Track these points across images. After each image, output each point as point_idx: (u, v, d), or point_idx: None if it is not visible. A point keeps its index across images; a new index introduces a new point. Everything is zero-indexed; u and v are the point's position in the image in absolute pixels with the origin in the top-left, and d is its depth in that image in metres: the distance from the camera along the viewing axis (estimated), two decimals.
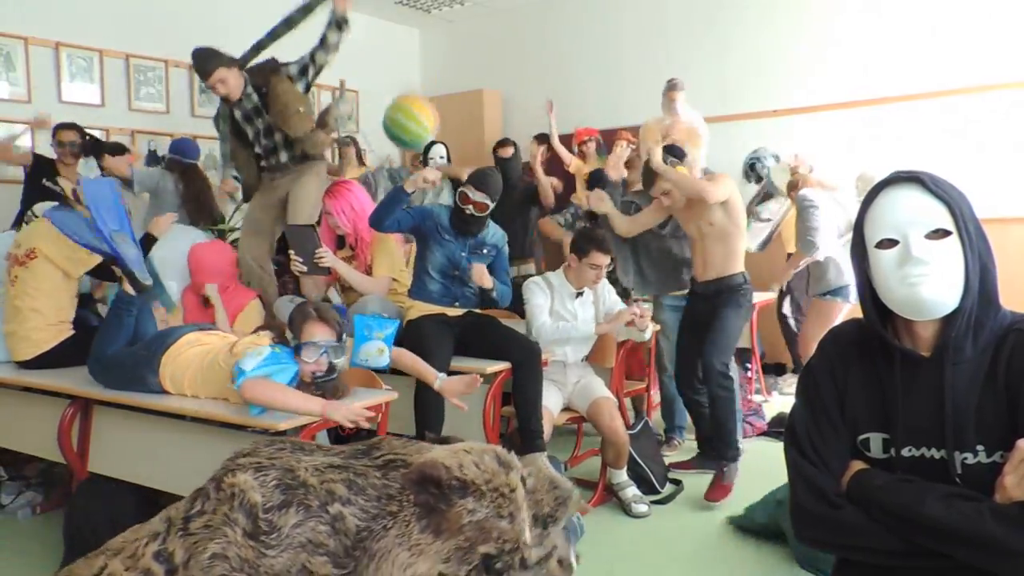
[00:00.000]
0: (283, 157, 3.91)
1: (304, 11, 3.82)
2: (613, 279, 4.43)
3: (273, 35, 3.86)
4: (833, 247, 4.45)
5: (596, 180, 4.73)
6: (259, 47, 3.85)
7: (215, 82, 3.65)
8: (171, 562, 1.47)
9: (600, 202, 3.90)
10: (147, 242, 3.32)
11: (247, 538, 1.46)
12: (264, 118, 3.80)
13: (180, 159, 4.88)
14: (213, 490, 1.55)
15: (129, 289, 2.85)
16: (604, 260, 3.47)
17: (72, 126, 4.76)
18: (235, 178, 4.27)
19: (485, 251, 3.43)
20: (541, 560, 1.59)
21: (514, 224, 5.01)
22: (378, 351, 2.70)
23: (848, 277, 4.33)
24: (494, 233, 3.47)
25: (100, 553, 1.58)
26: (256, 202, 4.07)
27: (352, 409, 2.35)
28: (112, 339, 2.85)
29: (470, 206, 3.29)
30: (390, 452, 1.68)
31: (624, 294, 4.58)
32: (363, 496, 1.55)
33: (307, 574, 1.46)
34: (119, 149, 4.80)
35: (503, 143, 5.31)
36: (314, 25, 3.85)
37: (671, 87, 5.02)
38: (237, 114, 3.82)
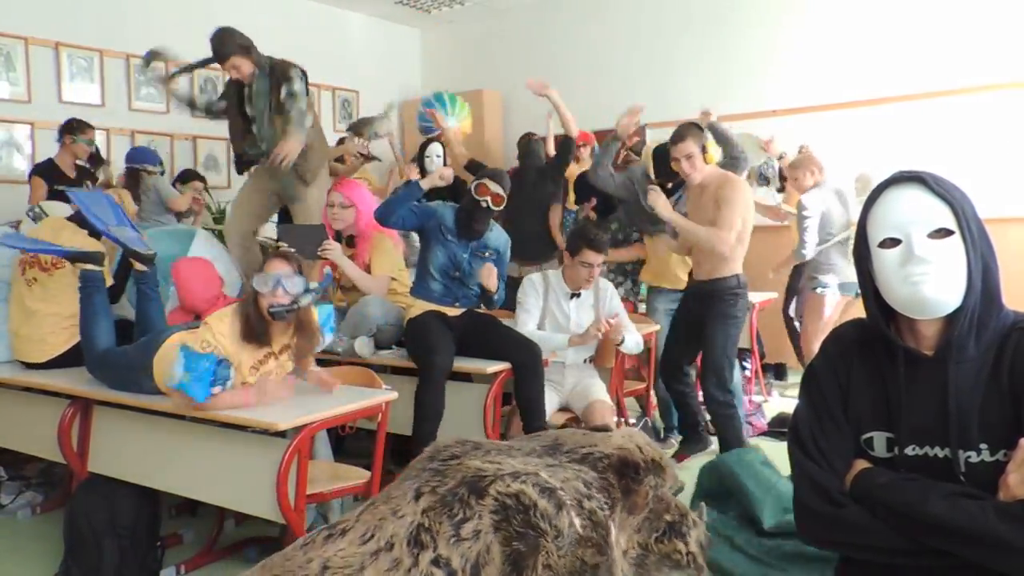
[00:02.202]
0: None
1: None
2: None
3: None
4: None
5: (582, 187, 4.67)
6: None
7: (229, 67, 3.78)
8: (450, 566, 1.55)
9: (657, 199, 3.48)
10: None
11: (552, 542, 1.60)
12: (270, 106, 3.85)
13: (133, 166, 5.02)
14: (474, 499, 1.62)
15: (139, 266, 3.05)
16: (597, 259, 3.45)
17: (89, 127, 4.79)
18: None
19: (487, 253, 3.40)
20: (698, 519, 1.85)
21: (542, 219, 4.94)
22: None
23: (844, 272, 4.37)
24: (497, 236, 3.45)
25: (320, 573, 1.57)
26: (253, 184, 4.08)
27: (279, 389, 2.45)
28: (96, 322, 2.93)
29: (487, 197, 3.25)
30: (576, 446, 1.84)
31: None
32: (595, 489, 1.72)
33: (581, 564, 1.61)
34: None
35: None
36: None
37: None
38: (245, 91, 3.87)
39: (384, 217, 3.34)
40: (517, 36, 7.48)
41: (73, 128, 4.67)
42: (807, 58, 5.94)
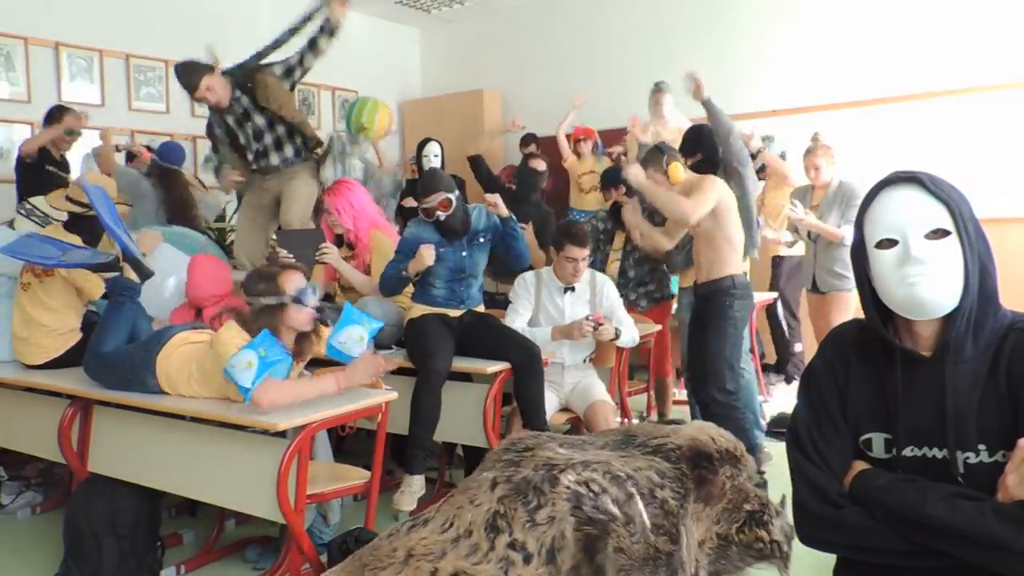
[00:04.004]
0: (274, 160, 3.90)
1: (306, 19, 3.88)
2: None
3: (276, 43, 3.88)
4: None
5: (610, 179, 4.65)
6: (261, 55, 3.86)
7: (203, 92, 3.66)
8: (526, 550, 1.61)
9: (633, 214, 3.84)
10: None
11: (623, 527, 1.63)
12: (254, 121, 3.80)
13: (159, 163, 4.76)
14: (547, 486, 1.67)
15: (133, 276, 2.96)
16: (580, 253, 3.45)
17: (72, 116, 4.59)
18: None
19: (483, 239, 3.38)
20: (780, 508, 1.83)
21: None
22: (359, 338, 2.64)
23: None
24: (478, 217, 3.39)
25: (405, 560, 1.64)
26: (248, 204, 4.10)
27: (368, 367, 2.51)
28: (115, 328, 2.87)
29: (439, 212, 3.22)
30: (648, 437, 1.84)
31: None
32: (667, 479, 1.73)
33: (655, 551, 1.62)
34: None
35: (531, 151, 5.28)
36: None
37: (657, 90, 5.22)
38: (230, 120, 3.82)
39: (390, 290, 3.36)
40: (517, 36, 7.48)
41: (52, 117, 4.51)
42: (807, 58, 5.93)
